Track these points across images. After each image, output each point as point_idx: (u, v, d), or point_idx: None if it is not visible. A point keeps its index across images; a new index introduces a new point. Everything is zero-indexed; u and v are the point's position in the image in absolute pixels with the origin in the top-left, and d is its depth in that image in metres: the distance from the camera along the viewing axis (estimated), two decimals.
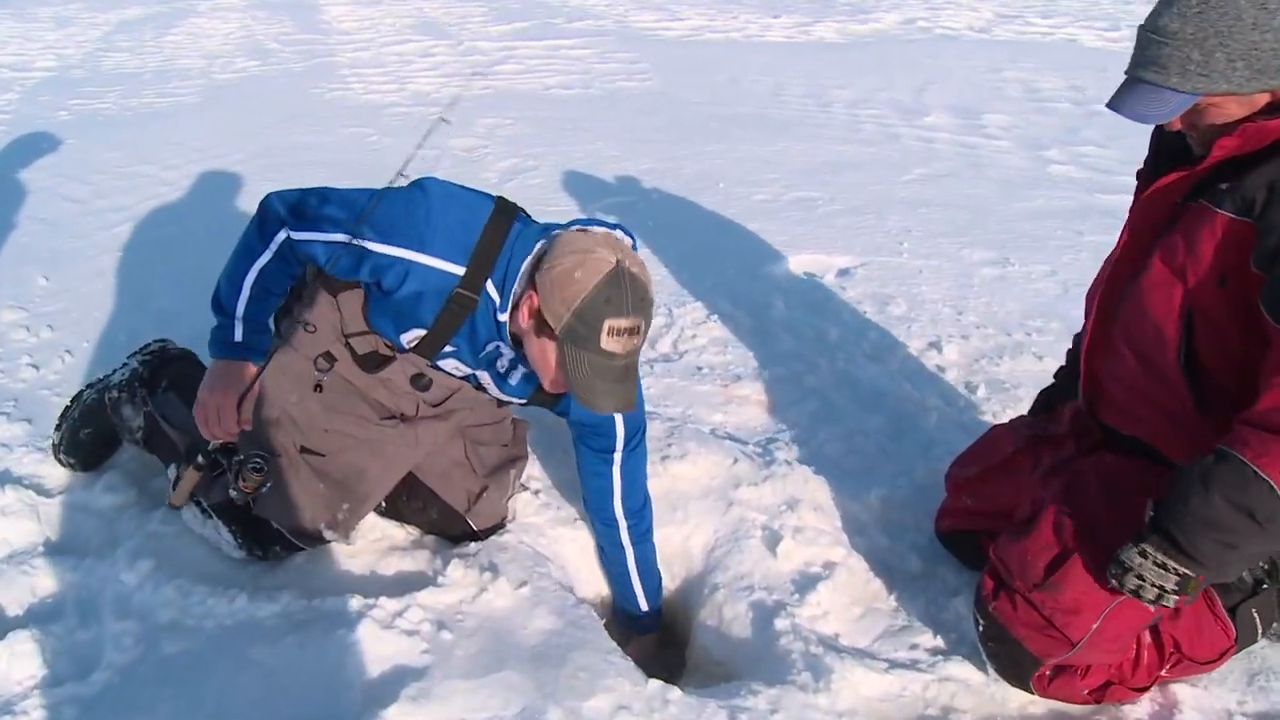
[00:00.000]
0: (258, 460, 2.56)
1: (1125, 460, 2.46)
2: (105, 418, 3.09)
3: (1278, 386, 1.98)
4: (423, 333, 2.51)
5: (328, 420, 2.69)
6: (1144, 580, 2.07)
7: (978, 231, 5.61)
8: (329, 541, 2.79)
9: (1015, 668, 2.44)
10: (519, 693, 2.32)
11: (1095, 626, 2.28)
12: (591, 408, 2.33)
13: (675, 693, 2.38)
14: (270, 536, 2.73)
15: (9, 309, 4.33)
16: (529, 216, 2.55)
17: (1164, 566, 2.05)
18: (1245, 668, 2.61)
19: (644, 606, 2.89)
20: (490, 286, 2.41)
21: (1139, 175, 2.52)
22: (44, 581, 2.69)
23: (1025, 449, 2.81)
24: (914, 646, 2.65)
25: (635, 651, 2.82)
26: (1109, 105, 2.15)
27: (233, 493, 2.60)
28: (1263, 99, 2.06)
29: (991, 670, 2.50)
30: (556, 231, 2.41)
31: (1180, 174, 2.22)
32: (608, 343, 2.23)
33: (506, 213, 2.46)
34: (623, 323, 2.23)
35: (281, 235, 2.47)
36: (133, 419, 3.02)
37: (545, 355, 2.33)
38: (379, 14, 13.01)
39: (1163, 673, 2.48)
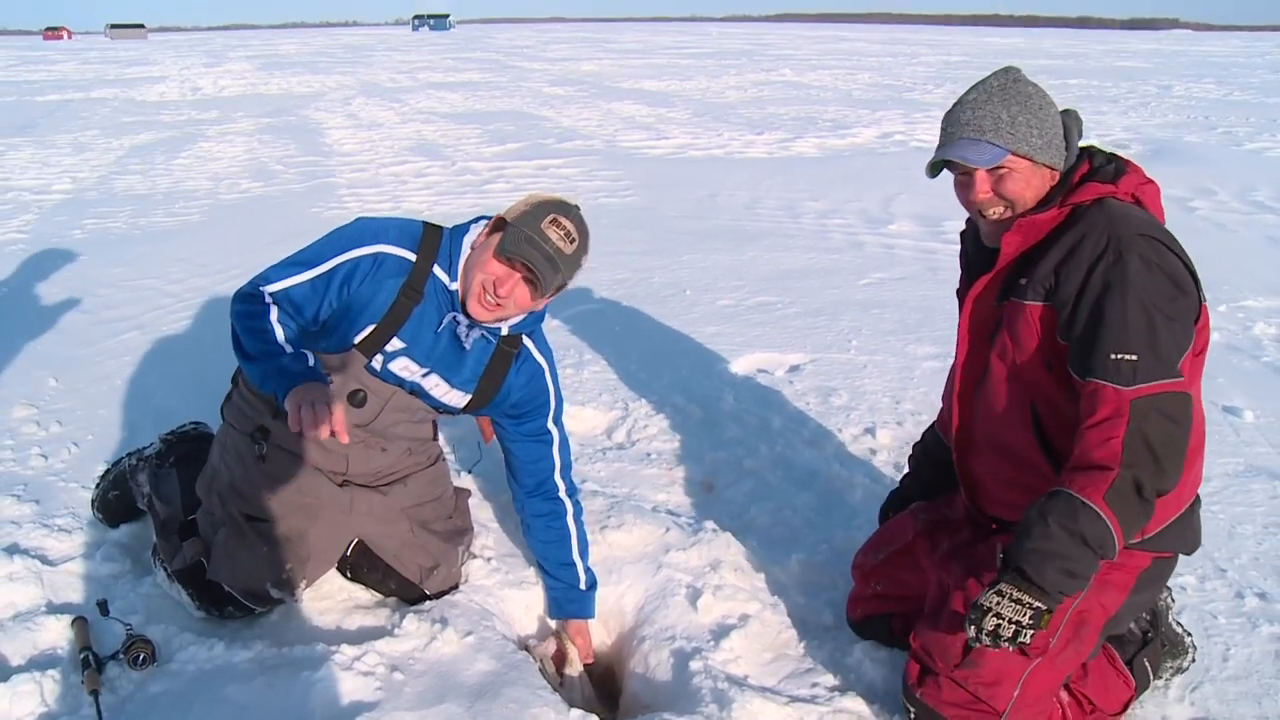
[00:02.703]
0: (140, 659, 2.82)
1: None
2: (127, 483, 3.55)
3: (1088, 430, 2.32)
4: (374, 326, 2.86)
5: (271, 489, 3.03)
6: (1001, 618, 2.28)
7: (925, 330, 6.01)
8: (277, 600, 3.10)
9: None
10: None
11: (1016, 694, 2.54)
12: (513, 254, 2.70)
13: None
14: (223, 598, 3.06)
15: (22, 406, 4.76)
16: None
17: (1019, 602, 2.28)
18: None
19: (585, 582, 3.23)
20: (438, 269, 2.87)
21: (958, 293, 2.85)
22: (45, 636, 3.00)
23: (924, 533, 3.07)
24: (815, 685, 2.93)
25: (584, 644, 3.18)
26: (939, 154, 2.54)
27: (121, 656, 2.86)
28: (1048, 175, 2.51)
29: None
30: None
31: (987, 277, 2.60)
32: (547, 228, 2.73)
33: (434, 224, 2.97)
34: (565, 221, 2.76)
35: (267, 297, 2.84)
36: (143, 485, 3.49)
37: (490, 249, 2.76)
38: (379, 136, 13.69)
39: None
